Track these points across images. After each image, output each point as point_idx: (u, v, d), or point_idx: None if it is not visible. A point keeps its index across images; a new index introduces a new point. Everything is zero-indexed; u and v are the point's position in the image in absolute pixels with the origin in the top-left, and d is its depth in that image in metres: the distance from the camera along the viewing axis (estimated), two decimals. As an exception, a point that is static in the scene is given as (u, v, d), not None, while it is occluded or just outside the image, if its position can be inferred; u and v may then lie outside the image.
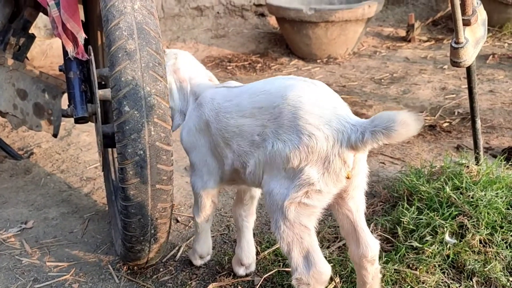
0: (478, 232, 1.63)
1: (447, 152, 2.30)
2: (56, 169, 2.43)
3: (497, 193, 1.73)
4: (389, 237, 1.73)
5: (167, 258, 1.76)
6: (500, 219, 1.67)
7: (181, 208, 2.07)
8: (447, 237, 1.62)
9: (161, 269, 1.71)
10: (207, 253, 1.69)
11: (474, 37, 1.59)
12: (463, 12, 1.56)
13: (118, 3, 1.32)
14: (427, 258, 1.59)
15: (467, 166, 1.87)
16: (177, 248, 1.82)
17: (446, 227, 1.65)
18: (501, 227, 1.66)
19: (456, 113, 2.79)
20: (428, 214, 1.71)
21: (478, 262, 1.57)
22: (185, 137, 1.53)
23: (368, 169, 1.31)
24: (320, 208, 1.26)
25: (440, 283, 1.54)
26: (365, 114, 2.85)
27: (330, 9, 3.53)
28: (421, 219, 1.70)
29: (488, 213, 1.67)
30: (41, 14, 2.09)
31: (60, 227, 2.00)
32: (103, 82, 1.76)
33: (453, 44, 1.55)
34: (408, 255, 1.62)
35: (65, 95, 2.15)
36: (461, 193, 1.75)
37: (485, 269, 1.55)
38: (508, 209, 1.70)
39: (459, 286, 1.54)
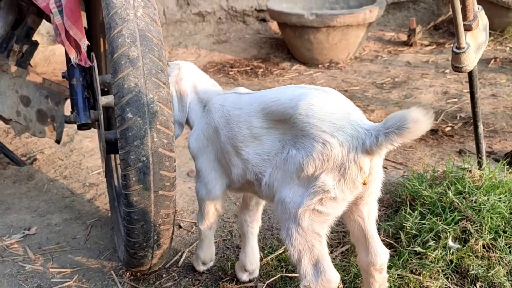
0: (482, 237, 1.63)
1: (449, 156, 2.30)
2: (59, 175, 2.43)
3: (500, 198, 1.73)
4: (392, 242, 1.73)
5: (170, 264, 1.76)
6: (504, 224, 1.66)
7: (183, 213, 2.08)
8: (450, 242, 1.62)
9: (164, 275, 1.71)
10: (210, 259, 1.69)
11: (476, 42, 1.59)
12: (464, 18, 1.56)
13: (121, 11, 1.33)
14: (430, 263, 1.59)
15: (470, 171, 1.87)
16: (180, 254, 1.82)
17: (449, 232, 1.64)
18: (505, 232, 1.65)
19: (458, 117, 2.79)
20: (431, 219, 1.70)
21: (482, 267, 1.57)
22: (193, 143, 1.53)
23: (383, 176, 1.30)
24: (334, 216, 1.25)
25: (444, 289, 1.53)
26: (368, 118, 2.85)
27: (331, 14, 3.54)
28: (424, 224, 1.70)
29: (491, 218, 1.66)
30: (44, 21, 2.11)
31: (63, 233, 2.00)
32: (105, 89, 1.77)
33: (455, 49, 1.56)
34: (411, 260, 1.62)
35: (68, 102, 2.16)
36: (464, 198, 1.75)
37: (489, 274, 1.55)
38: (511, 213, 1.70)
39: (463, 292, 1.53)
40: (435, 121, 2.77)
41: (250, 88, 3.60)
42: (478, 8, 1.62)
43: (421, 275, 1.56)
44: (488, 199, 1.71)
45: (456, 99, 3.02)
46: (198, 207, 1.58)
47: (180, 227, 1.99)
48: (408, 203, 1.84)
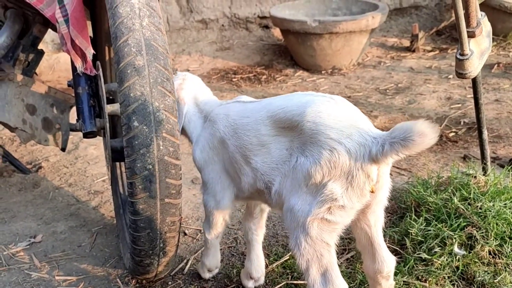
0: (487, 243, 1.62)
1: (454, 162, 2.30)
2: (64, 182, 2.44)
3: (505, 204, 1.73)
4: (397, 248, 1.73)
5: (175, 271, 1.76)
6: (509, 230, 1.66)
7: (188, 221, 2.08)
8: (456, 249, 1.62)
9: (170, 283, 1.71)
10: (216, 267, 1.69)
11: (479, 49, 1.60)
12: (468, 24, 1.57)
13: (126, 20, 1.34)
14: (436, 269, 1.58)
15: (475, 177, 1.87)
16: (185, 261, 1.82)
17: (455, 238, 1.64)
18: (510, 238, 1.65)
19: (462, 123, 2.79)
20: (436, 225, 1.70)
21: (488, 273, 1.57)
22: (198, 155, 1.53)
23: (391, 183, 1.30)
24: (343, 225, 1.25)
25: (450, 295, 1.53)
26: (371, 124, 2.86)
27: (334, 20, 3.56)
28: (429, 230, 1.70)
29: (496, 224, 1.66)
30: (49, 29, 2.12)
31: (69, 241, 2.00)
32: (111, 97, 1.78)
33: (458, 56, 1.56)
34: (417, 266, 1.61)
35: (73, 109, 2.18)
36: (469, 204, 1.75)
37: (495, 280, 1.54)
38: (517, 219, 1.70)
39: (469, 298, 1.53)
40: (439, 126, 2.77)
41: (254, 95, 3.62)
42: (481, 15, 1.63)
43: (427, 281, 1.56)
44: (493, 205, 1.71)
45: (459, 105, 3.02)
46: (206, 217, 1.58)
47: (185, 234, 1.99)
48: (413, 209, 1.84)
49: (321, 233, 1.24)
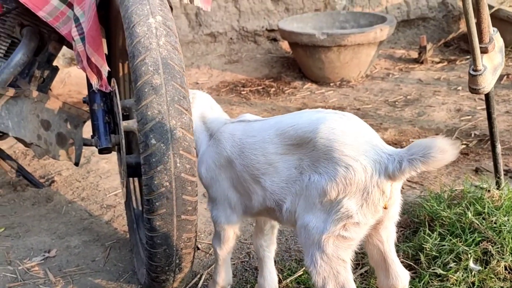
0: (503, 258, 1.62)
1: (466, 175, 2.29)
2: (76, 196, 2.46)
3: (520, 218, 1.72)
4: (411, 263, 1.72)
5: (189, 286, 1.77)
6: (525, 245, 1.65)
7: (201, 235, 2.08)
8: (471, 264, 1.61)
9: (184, 298, 1.71)
10: (228, 283, 1.69)
11: (492, 64, 1.61)
12: (480, 40, 1.58)
13: (144, 40, 1.36)
14: (452, 285, 1.58)
15: (488, 190, 1.87)
16: (198, 276, 1.82)
17: (470, 253, 1.64)
18: (526, 253, 1.64)
19: (472, 135, 2.79)
20: (451, 240, 1.70)
21: (504, 289, 1.56)
22: (204, 173, 1.53)
23: (402, 199, 1.31)
24: (358, 240, 1.26)
25: (467, 311, 1.52)
26: (381, 137, 2.86)
27: (342, 33, 3.58)
28: (444, 245, 1.69)
29: (512, 239, 1.65)
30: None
31: (83, 255, 2.01)
32: (125, 113, 1.80)
33: (471, 72, 1.57)
34: (432, 282, 1.61)
35: (86, 124, 2.20)
36: (483, 219, 1.74)
37: (512, 296, 1.53)
38: (532, 234, 1.69)
39: (486, 314, 1.52)
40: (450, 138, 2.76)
41: (263, 107, 3.63)
42: (494, 31, 1.64)
43: (443, 297, 1.56)
44: (508, 220, 1.70)
45: (469, 116, 3.02)
46: (215, 233, 1.58)
47: (198, 248, 2.00)
48: (426, 223, 1.83)
49: (337, 250, 1.24)
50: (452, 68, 3.86)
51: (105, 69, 1.67)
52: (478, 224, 1.71)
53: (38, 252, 2.04)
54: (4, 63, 2.05)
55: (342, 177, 1.20)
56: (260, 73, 3.98)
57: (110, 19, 1.78)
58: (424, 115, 3.11)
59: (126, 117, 1.78)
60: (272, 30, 4.28)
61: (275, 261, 1.70)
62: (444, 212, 1.80)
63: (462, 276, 1.59)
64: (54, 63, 2.21)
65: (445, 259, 1.65)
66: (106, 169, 2.68)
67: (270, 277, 1.64)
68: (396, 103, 3.35)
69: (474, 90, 1.58)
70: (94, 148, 2.17)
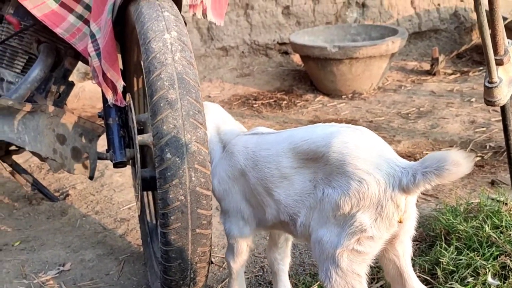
0: (522, 273, 1.59)
1: (482, 188, 2.26)
2: (91, 210, 2.48)
3: (539, 232, 1.69)
4: (428, 278, 1.69)
5: (203, 301, 1.76)
6: (544, 259, 1.62)
7: (214, 249, 2.08)
8: (489, 279, 1.58)
9: (198, 313, 1.70)
10: (242, 297, 1.68)
11: (508, 76, 1.60)
12: (495, 52, 1.57)
13: (159, 55, 1.38)
14: (470, 300, 1.55)
15: (505, 203, 1.84)
16: (212, 290, 1.82)
17: (488, 268, 1.61)
18: (546, 268, 1.61)
19: (487, 147, 2.76)
20: (468, 254, 1.67)
21: (524, 305, 1.52)
22: (217, 186, 1.53)
23: (417, 212, 1.30)
24: (373, 255, 1.25)
25: (486, 328, 1.49)
26: (394, 150, 2.83)
27: (354, 46, 3.59)
28: (461, 259, 1.66)
29: (531, 253, 1.62)
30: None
31: (97, 269, 2.02)
32: (140, 127, 1.82)
33: (487, 84, 1.57)
34: (450, 297, 1.58)
35: (101, 138, 2.23)
36: (501, 232, 1.71)
37: (532, 312, 1.50)
38: (552, 248, 1.66)
39: (506, 331, 1.49)
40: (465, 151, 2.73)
41: (275, 120, 3.63)
42: (508, 42, 1.64)
43: (462, 313, 1.53)
44: (526, 234, 1.67)
45: (484, 128, 2.99)
46: (229, 246, 1.58)
47: (212, 262, 1.99)
48: (443, 237, 1.81)
49: (352, 264, 1.23)
50: (465, 79, 3.84)
51: (120, 84, 1.69)
52: (495, 238, 1.68)
53: (53, 266, 2.05)
54: (21, 78, 2.08)
55: (355, 191, 1.20)
56: (272, 86, 3.99)
57: (125, 34, 1.81)
58: (437, 127, 3.09)
59: (140, 131, 1.80)
60: (283, 43, 4.30)
61: (289, 275, 1.69)
62: (461, 226, 1.78)
63: (481, 291, 1.56)
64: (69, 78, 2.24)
65: (462, 274, 1.62)
66: (120, 183, 2.70)
67: (285, 291, 1.63)
68: (409, 115, 3.33)
69: (489, 102, 1.57)
70: (108, 161, 2.19)
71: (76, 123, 2.16)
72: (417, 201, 2.29)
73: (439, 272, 1.66)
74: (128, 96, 1.71)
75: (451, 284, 1.61)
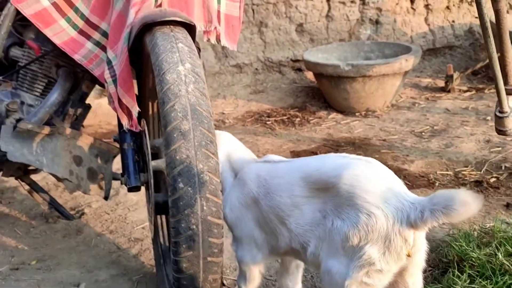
0: (537, 303, 1.57)
1: (496, 211, 2.24)
2: (105, 229, 2.52)
3: (554, 261, 1.67)
4: (440, 306, 1.69)
5: (214, 325, 1.77)
6: (560, 290, 1.60)
7: (226, 271, 2.09)
8: (503, 309, 1.57)
9: (209, 337, 1.71)
10: (254, 322, 1.69)
11: (520, 106, 1.60)
12: (506, 82, 1.57)
13: (173, 87, 1.42)
14: (483, 331, 1.53)
15: (520, 230, 1.82)
16: (224, 314, 1.83)
17: (501, 297, 1.59)
18: (561, 298, 1.59)
19: (503, 168, 2.73)
20: (481, 282, 1.66)
21: (539, 336, 1.50)
22: (229, 213, 1.56)
23: (427, 246, 1.31)
24: (381, 287, 1.26)
25: None
26: (407, 169, 2.84)
27: (367, 64, 3.60)
28: (474, 287, 1.65)
29: (546, 283, 1.60)
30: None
31: (111, 290, 2.05)
32: (154, 152, 1.85)
33: (498, 114, 1.57)
34: (462, 327, 1.57)
35: (115, 159, 2.27)
36: (515, 260, 1.70)
37: None
38: None
39: None
40: (479, 171, 2.71)
41: (288, 138, 3.64)
42: (520, 71, 1.63)
43: None
44: (541, 263, 1.65)
45: (499, 148, 2.96)
46: (240, 272, 1.59)
47: (224, 284, 2.01)
48: (455, 264, 1.80)
49: None
50: (481, 97, 3.81)
51: (135, 110, 1.73)
52: (509, 266, 1.67)
53: (68, 286, 2.09)
54: (40, 102, 2.15)
55: (364, 224, 1.21)
56: (285, 103, 4.02)
57: (141, 61, 1.85)
58: (452, 147, 3.07)
59: (155, 156, 1.83)
60: (297, 60, 4.33)
61: (300, 301, 1.70)
62: (474, 253, 1.77)
63: (494, 321, 1.55)
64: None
65: (475, 303, 1.61)
66: (135, 201, 2.74)
67: (296, 317, 1.63)
68: (423, 133, 3.32)
69: (501, 131, 1.56)
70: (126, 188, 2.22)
71: (92, 144, 2.21)
72: (430, 224, 2.28)
73: (451, 300, 1.65)
74: (142, 121, 1.75)
75: (463, 313, 1.60)
